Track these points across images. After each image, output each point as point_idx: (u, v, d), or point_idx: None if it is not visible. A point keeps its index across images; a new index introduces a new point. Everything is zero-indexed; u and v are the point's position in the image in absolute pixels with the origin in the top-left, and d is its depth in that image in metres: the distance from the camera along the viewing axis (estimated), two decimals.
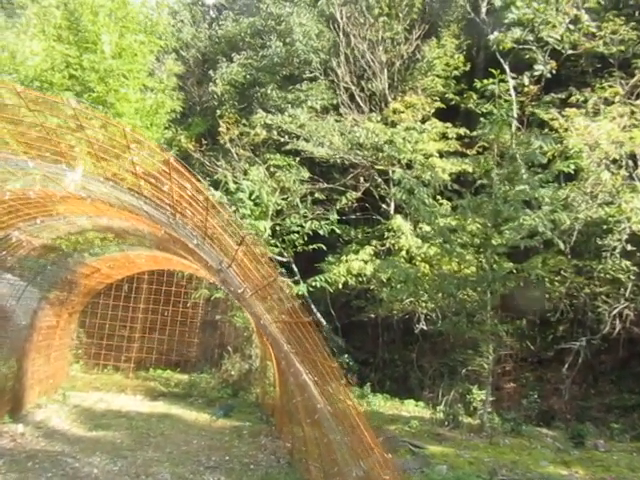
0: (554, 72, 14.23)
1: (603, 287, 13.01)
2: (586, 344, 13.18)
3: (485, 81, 11.34)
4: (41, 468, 7.03)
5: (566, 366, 13.49)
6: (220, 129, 15.97)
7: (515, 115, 13.46)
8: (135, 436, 8.99)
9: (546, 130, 12.97)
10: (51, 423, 9.30)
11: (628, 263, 12.16)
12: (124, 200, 3.72)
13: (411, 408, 13.14)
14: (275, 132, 15.62)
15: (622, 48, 13.66)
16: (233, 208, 13.41)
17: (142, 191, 3.44)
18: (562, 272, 13.51)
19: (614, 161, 11.90)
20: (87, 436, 8.76)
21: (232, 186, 13.58)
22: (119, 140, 3.55)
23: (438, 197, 13.95)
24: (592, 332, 13.44)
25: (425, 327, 13.63)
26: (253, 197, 13.76)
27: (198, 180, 3.25)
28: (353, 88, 16.63)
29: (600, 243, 12.07)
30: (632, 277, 12.04)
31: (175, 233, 4.03)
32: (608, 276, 12.78)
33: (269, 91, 16.81)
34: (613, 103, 12.27)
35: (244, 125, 15.85)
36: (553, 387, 14.86)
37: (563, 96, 14.26)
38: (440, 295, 12.32)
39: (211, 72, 18.23)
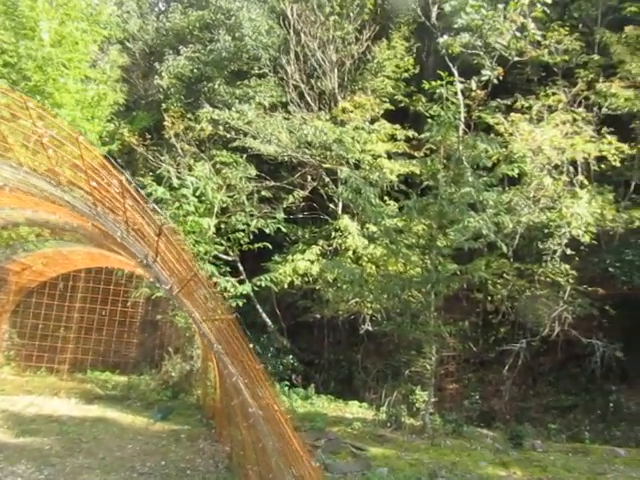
0: (501, 78, 14.45)
1: (543, 290, 13.29)
2: (526, 346, 13.43)
3: (434, 83, 11.35)
4: None
5: (506, 367, 13.70)
6: (165, 123, 15.53)
7: (462, 119, 13.60)
8: (65, 442, 8.55)
9: (492, 134, 13.15)
10: None
11: (567, 267, 12.45)
12: (44, 189, 3.44)
13: (355, 409, 13.07)
14: (222, 128, 15.28)
15: (566, 58, 14.03)
16: (176, 205, 13.05)
17: (59, 178, 3.17)
18: (504, 275, 13.74)
19: (556, 167, 12.17)
20: (12, 443, 8.26)
21: (176, 182, 13.17)
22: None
23: (385, 198, 13.98)
24: (532, 334, 13.70)
25: (370, 328, 13.60)
26: (198, 194, 13.39)
27: (113, 166, 3.00)
28: (303, 86, 16.46)
29: (541, 247, 12.32)
30: (571, 281, 12.31)
31: (101, 225, 3.76)
32: (548, 279, 13.08)
33: (217, 86, 16.44)
34: (556, 110, 12.53)
35: (190, 120, 15.45)
36: (494, 388, 15.08)
37: (509, 102, 14.55)
38: (385, 296, 12.28)
39: (157, 65, 17.70)
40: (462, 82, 14.10)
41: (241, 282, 13.88)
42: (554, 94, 13.12)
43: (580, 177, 12.43)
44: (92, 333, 13.90)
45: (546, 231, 12.24)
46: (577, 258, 12.86)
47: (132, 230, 3.17)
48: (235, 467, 7.57)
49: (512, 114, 13.15)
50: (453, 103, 12.58)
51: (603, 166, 12.87)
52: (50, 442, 8.47)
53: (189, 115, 15.71)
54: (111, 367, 14.23)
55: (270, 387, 2.95)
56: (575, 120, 12.29)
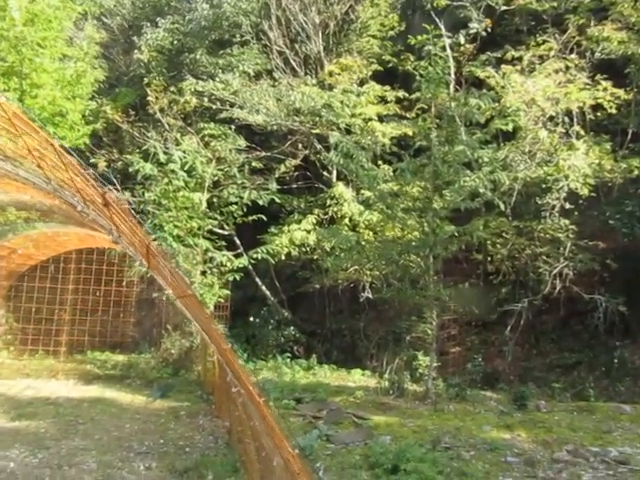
0: (489, 30, 14.04)
1: (543, 247, 13.06)
2: (528, 305, 13.25)
3: (420, 37, 10.93)
4: None
5: (509, 328, 13.54)
6: (149, 98, 15.13)
7: (452, 75, 13.21)
8: (61, 424, 8.40)
9: (483, 89, 12.75)
10: None
11: (567, 222, 12.19)
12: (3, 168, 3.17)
13: (357, 378, 12.96)
14: (207, 99, 14.89)
15: (554, 4, 13.51)
16: (166, 180, 12.75)
17: (4, 150, 2.90)
18: (503, 234, 13.50)
19: (551, 118, 11.81)
20: (7, 427, 8.12)
21: (163, 157, 12.83)
22: None
23: (379, 162, 13.64)
24: (533, 293, 13.52)
25: (370, 295, 13.41)
26: (187, 168, 13.06)
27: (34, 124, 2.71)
28: (287, 52, 16.00)
29: (540, 203, 12.03)
30: (571, 236, 12.07)
31: (65, 202, 3.51)
32: (548, 236, 12.84)
33: (198, 56, 15.98)
34: (548, 59, 12.11)
35: (174, 93, 15.04)
36: (497, 350, 14.95)
37: (499, 55, 14.06)
38: (383, 262, 12.07)
39: (136, 39, 17.20)
40: (450, 37, 13.66)
41: (238, 256, 13.65)
42: (545, 42, 12.64)
43: (576, 127, 12.06)
44: (88, 314, 13.75)
45: (544, 186, 11.96)
46: (576, 212, 12.60)
47: (88, 202, 2.91)
48: (234, 442, 7.43)
49: (503, 66, 12.70)
50: (441, 58, 12.19)
51: (599, 115, 12.49)
52: (46, 425, 8.33)
53: (172, 88, 15.31)
54: (110, 347, 14.13)
55: (242, 367, 2.72)
56: (568, 68, 11.88)
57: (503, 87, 11.86)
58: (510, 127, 11.26)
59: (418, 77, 10.59)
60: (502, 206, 11.17)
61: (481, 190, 10.44)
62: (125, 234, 2.93)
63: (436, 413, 9.24)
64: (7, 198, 6.03)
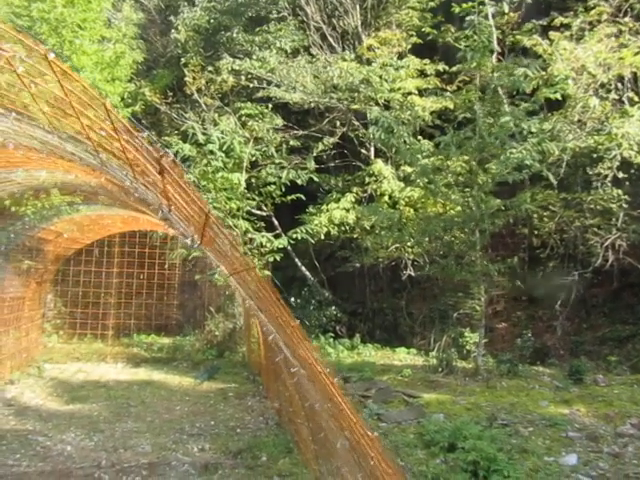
0: None
1: (594, 219, 12.60)
2: (578, 278, 12.84)
3: (464, 5, 10.51)
4: (8, 450, 6.54)
5: (559, 302, 13.16)
6: (186, 79, 15.03)
7: (495, 45, 12.71)
8: (114, 407, 8.50)
9: (529, 58, 12.25)
10: (23, 399, 8.78)
11: (620, 192, 11.70)
12: (44, 140, 3.07)
13: (402, 356, 12.80)
14: (244, 78, 14.71)
15: None
16: (204, 161, 12.69)
17: (52, 122, 2.79)
18: (550, 207, 13.07)
19: (602, 85, 11.28)
20: (62, 410, 8.25)
21: (202, 138, 12.77)
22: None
23: (419, 137, 13.30)
24: (583, 266, 13.09)
25: (413, 273, 13.17)
26: (225, 149, 12.97)
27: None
28: (324, 27, 15.70)
29: (590, 173, 11.56)
30: (625, 206, 11.59)
31: (113, 178, 3.40)
32: (598, 207, 12.37)
33: (235, 35, 15.78)
34: (600, 23, 11.52)
35: (211, 73, 14.89)
36: (545, 324, 14.61)
37: (544, 23, 13.50)
38: (426, 239, 11.81)
39: (173, 19, 17.09)
40: (493, 5, 13.14)
41: (277, 237, 13.55)
42: (596, 6, 12.01)
43: (630, 94, 11.48)
44: (133, 297, 13.87)
45: (595, 156, 11.44)
46: (627, 182, 12.08)
47: (138, 175, 2.79)
48: (285, 423, 7.38)
49: (551, 33, 12.15)
50: (486, 27, 11.72)
51: None
52: (98, 408, 8.44)
53: (210, 68, 15.16)
54: (155, 330, 14.25)
55: (309, 346, 2.57)
56: (621, 32, 11.28)
57: (551, 55, 11.33)
58: (558, 96, 10.76)
59: (463, 46, 10.18)
60: (551, 177, 10.76)
61: (528, 162, 10.06)
62: (178, 207, 2.80)
63: (488, 390, 9.04)
64: (52, 179, 5.99)
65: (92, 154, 2.92)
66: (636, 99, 11.46)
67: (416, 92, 14.15)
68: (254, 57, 14.85)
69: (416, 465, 6.10)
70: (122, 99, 14.38)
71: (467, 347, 11.41)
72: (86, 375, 10.65)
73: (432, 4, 15.50)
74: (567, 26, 12.65)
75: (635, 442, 6.71)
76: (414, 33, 15.24)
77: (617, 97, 11.39)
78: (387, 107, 14.21)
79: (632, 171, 11.90)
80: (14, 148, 3.70)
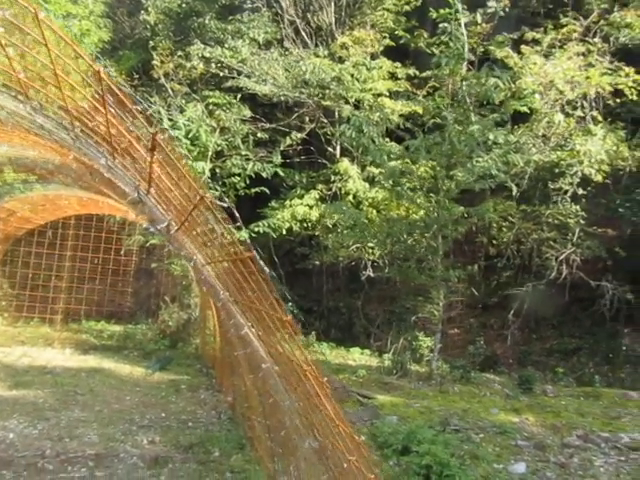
0: (507, 10, 13.66)
1: (550, 233, 12.90)
2: (531, 290, 13.12)
3: (442, 11, 10.57)
4: None
5: (512, 312, 13.42)
6: (154, 62, 14.68)
7: (468, 54, 12.84)
8: (60, 394, 8.19)
9: (500, 70, 12.43)
10: None
11: (577, 207, 12.01)
12: (10, 111, 2.88)
13: (357, 356, 12.82)
14: (214, 66, 14.45)
15: None
16: (169, 148, 12.38)
17: (27, 90, 2.62)
18: (510, 217, 13.31)
19: (568, 102, 11.54)
20: (4, 396, 7.89)
21: (167, 123, 12.48)
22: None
23: (387, 139, 13.34)
24: (537, 278, 13.38)
25: (372, 274, 13.20)
26: (190, 136, 12.72)
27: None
28: (298, 21, 15.57)
29: (552, 187, 11.83)
30: (582, 222, 11.90)
31: (84, 156, 3.23)
32: (556, 221, 12.67)
33: (207, 21, 15.48)
34: (570, 41, 11.79)
35: (180, 57, 14.58)
36: (496, 333, 14.89)
37: (515, 36, 13.74)
38: (389, 241, 11.86)
39: (143, 0, 16.66)
40: (466, 15, 13.28)
41: (238, 229, 13.37)
42: (568, 24, 12.30)
43: (593, 113, 11.79)
44: (85, 282, 13.46)
45: (556, 171, 11.71)
46: (583, 199, 12.41)
47: (118, 154, 2.64)
48: (239, 418, 7.26)
49: (522, 47, 12.36)
50: (458, 37, 11.83)
51: (610, 102, 12.22)
52: (44, 395, 8.12)
53: (179, 53, 14.83)
54: (106, 317, 13.86)
55: (299, 342, 2.49)
56: (590, 52, 11.57)
57: (521, 68, 11.52)
58: (526, 109, 10.96)
59: (438, 52, 10.24)
60: (514, 189, 10.94)
61: (494, 172, 10.21)
62: (162, 188, 2.67)
63: (441, 394, 9.12)
64: (11, 153, 5.71)
65: (66, 128, 2.75)
66: (600, 118, 11.77)
67: (387, 94, 14.20)
68: (226, 46, 14.61)
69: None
70: (84, 79, 13.92)
71: (421, 351, 11.50)
72: (31, 360, 10.24)
73: (407, 7, 15.56)
74: (537, 42, 12.92)
75: (581, 453, 6.86)
76: (387, 35, 15.28)
77: (582, 115, 11.67)
78: (357, 107, 14.21)
79: (589, 188, 12.23)
80: None
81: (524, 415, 8.17)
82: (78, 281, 13.35)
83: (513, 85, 11.76)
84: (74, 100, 2.55)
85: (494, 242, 13.93)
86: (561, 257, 12.43)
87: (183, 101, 14.24)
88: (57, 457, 6.03)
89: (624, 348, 12.41)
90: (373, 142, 10.42)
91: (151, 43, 15.31)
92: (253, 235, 13.49)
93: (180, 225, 2.80)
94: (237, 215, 14.68)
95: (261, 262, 15.69)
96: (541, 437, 7.31)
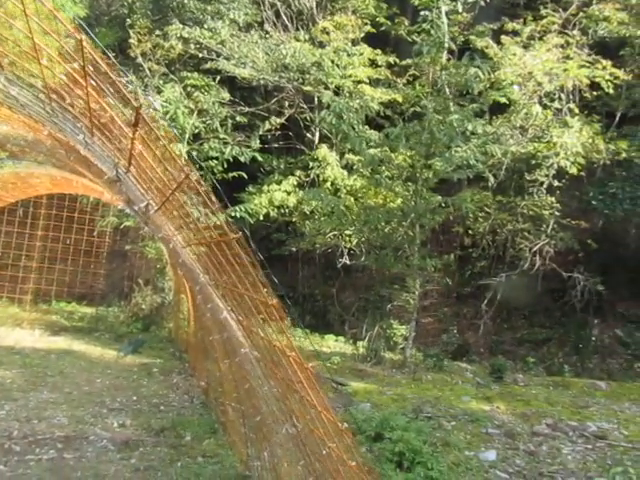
0: (488, 1, 13.64)
1: (525, 224, 13.03)
2: (505, 280, 13.26)
3: None
4: None
5: (485, 302, 13.56)
6: (131, 41, 14.34)
7: (447, 43, 12.82)
8: (29, 375, 8.05)
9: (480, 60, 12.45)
10: None
11: (553, 199, 12.14)
12: None
13: (331, 343, 12.85)
14: (193, 47, 14.21)
15: None
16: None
17: (1, 61, 2.52)
18: (486, 208, 13.41)
19: (546, 94, 11.61)
20: None
21: (143, 102, 12.22)
22: None
23: (366, 127, 13.30)
24: (510, 268, 13.53)
25: (348, 262, 13.19)
26: (167, 118, 12.50)
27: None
28: (279, 4, 15.35)
29: (527, 178, 11.93)
30: (557, 213, 12.04)
31: (60, 133, 3.13)
32: (531, 213, 12.79)
33: (186, 1, 15.19)
34: (549, 33, 11.85)
35: (158, 37, 14.27)
36: (469, 322, 15.04)
37: (494, 27, 13.75)
38: (366, 229, 11.85)
39: None
40: (448, 3, 13.24)
41: (213, 213, 13.21)
42: (548, 16, 12.35)
43: (570, 105, 11.90)
44: (56, 263, 13.22)
45: (533, 162, 11.81)
46: (557, 191, 12.55)
47: (97, 129, 2.56)
48: (212, 403, 7.22)
49: (502, 37, 12.38)
50: (438, 26, 11.79)
51: (587, 96, 12.35)
52: (12, 375, 7.97)
53: (157, 32, 14.52)
54: (77, 298, 13.66)
55: (284, 327, 2.45)
56: (568, 44, 11.65)
57: (501, 58, 11.55)
58: (505, 100, 11.01)
59: (419, 40, 10.20)
60: (492, 179, 11.01)
61: (472, 162, 10.25)
62: (142, 167, 2.59)
63: (414, 382, 9.19)
64: None
65: (42, 102, 2.65)
66: (576, 111, 11.88)
67: (367, 81, 14.13)
68: (205, 26, 14.36)
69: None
70: (59, 54, 13.58)
71: (395, 339, 11.56)
72: None
73: None
74: (516, 33, 12.95)
75: (549, 441, 6.97)
76: (368, 22, 15.17)
77: (559, 107, 11.76)
78: (337, 93, 14.10)
79: (563, 180, 12.37)
80: None
81: (495, 403, 8.27)
82: (49, 261, 13.11)
83: (492, 75, 11.81)
84: (53, 72, 2.45)
85: (469, 232, 14.03)
86: (535, 248, 12.57)
87: (161, 82, 13.98)
88: (25, 439, 5.92)
89: (593, 339, 12.62)
90: (353, 129, 10.38)
91: (128, 21, 14.94)
92: (230, 220, 13.34)
93: (160, 205, 2.73)
94: (214, 199, 14.52)
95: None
96: (511, 425, 7.41)
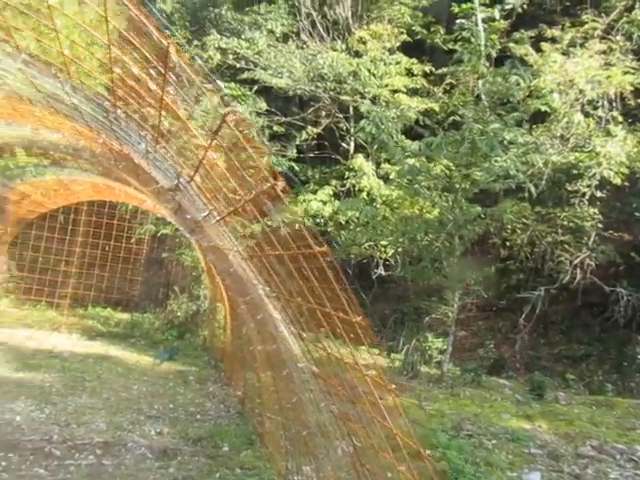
0: (525, 7, 13.46)
1: (565, 236, 12.71)
2: (544, 294, 12.95)
3: (464, 6, 10.37)
4: None
5: (523, 316, 13.25)
6: (170, 51, 14.51)
7: (486, 50, 12.66)
8: (68, 379, 8.12)
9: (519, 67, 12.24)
10: None
11: (595, 211, 11.83)
12: (47, 91, 2.76)
13: (365, 356, 12.67)
14: (231, 57, 14.32)
15: None
16: (180, 140, 12.27)
17: (68, 68, 2.52)
18: (524, 219, 13.12)
19: (589, 102, 11.35)
20: (12, 378, 7.83)
21: (182, 114, 12.32)
22: None
23: (402, 137, 13.19)
24: (549, 281, 13.20)
25: (384, 272, 13.04)
26: (206, 128, 12.58)
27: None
28: (314, 14, 15.39)
29: (569, 189, 11.64)
30: (600, 225, 11.73)
31: (115, 141, 3.12)
32: (572, 224, 12.47)
33: (224, 12, 15.37)
34: (590, 39, 11.59)
35: (197, 47, 14.44)
36: (504, 336, 14.73)
37: (532, 34, 13.50)
38: (401, 239, 11.71)
39: None
40: (483, 11, 13.08)
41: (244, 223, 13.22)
42: (592, 21, 12.07)
43: (614, 113, 11.58)
44: (94, 269, 13.39)
45: (574, 172, 11.52)
46: (598, 202, 12.22)
47: (163, 139, 2.52)
48: (248, 413, 7.17)
49: (542, 44, 12.15)
50: (476, 34, 11.65)
51: (631, 103, 11.96)
52: (51, 379, 8.05)
53: (195, 42, 14.70)
54: (113, 304, 13.79)
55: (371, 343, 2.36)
56: (611, 50, 11.36)
57: (542, 65, 11.33)
58: (547, 108, 10.79)
59: (458, 48, 10.08)
60: (533, 190, 10.78)
61: (512, 172, 10.07)
62: (211, 175, 2.55)
63: (452, 397, 8.99)
64: (27, 135, 5.59)
65: (106, 110, 2.64)
66: (620, 119, 11.58)
67: (404, 90, 14.04)
68: (242, 37, 14.48)
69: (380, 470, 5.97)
70: (101, 65, 13.82)
71: (429, 352, 11.35)
72: (38, 343, 10.17)
73: (425, 3, 15.37)
74: (555, 40, 12.68)
75: (595, 464, 6.73)
76: (404, 31, 15.10)
77: (602, 115, 11.49)
78: (373, 102, 14.05)
79: (604, 191, 12.03)
80: (4, 97, 3.38)
81: (536, 422, 8.03)
82: (87, 267, 13.28)
83: (532, 84, 11.58)
84: (123, 78, 2.43)
85: (506, 244, 13.75)
86: (575, 261, 12.24)
87: (199, 92, 14.08)
88: (64, 443, 5.95)
89: (639, 357, 12.21)
90: (392, 138, 10.28)
91: (167, 32, 15.14)
92: (257, 231, 13.34)
93: (227, 214, 2.68)
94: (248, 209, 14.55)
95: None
96: (554, 446, 7.18)
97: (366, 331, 2.27)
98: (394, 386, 2.36)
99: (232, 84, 14.58)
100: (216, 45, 14.30)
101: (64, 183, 9.65)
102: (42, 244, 12.82)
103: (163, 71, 2.16)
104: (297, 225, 2.59)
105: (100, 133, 3.21)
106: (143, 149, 2.72)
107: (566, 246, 12.54)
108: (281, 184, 2.45)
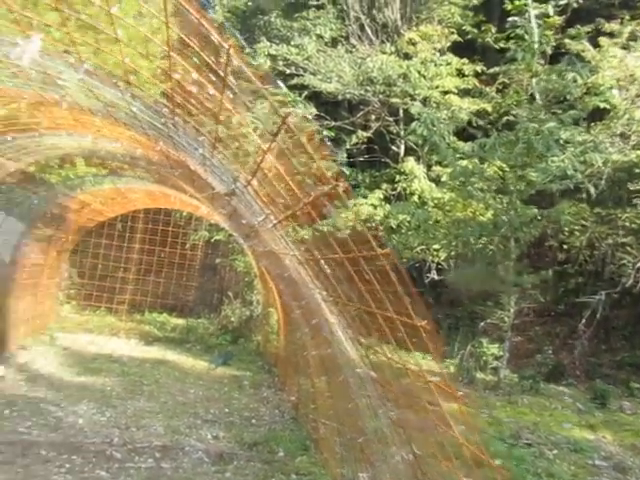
0: (581, 1, 13.02)
1: (627, 237, 12.23)
2: (605, 298, 12.48)
3: (516, 3, 10.13)
4: (20, 416, 6.35)
5: (583, 321, 12.81)
6: (221, 60, 14.76)
7: (541, 47, 12.32)
8: (127, 383, 8.31)
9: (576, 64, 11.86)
10: (35, 366, 8.60)
11: None
12: (107, 101, 2.84)
13: (419, 361, 12.49)
14: (281, 63, 14.45)
15: None
16: (236, 144, 12.44)
17: (128, 76, 2.57)
18: (582, 221, 12.70)
19: None
20: (74, 382, 8.07)
21: (234, 120, 12.51)
22: None
23: (454, 138, 12.99)
24: (610, 285, 12.73)
25: (436, 277, 12.85)
26: (258, 133, 12.72)
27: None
28: (363, 18, 15.36)
29: (631, 189, 11.20)
30: None
31: (172, 148, 3.16)
32: (634, 225, 12.00)
33: (273, 19, 15.53)
34: None
35: (247, 55, 14.63)
36: (562, 342, 14.26)
37: (589, 29, 13.05)
38: (454, 243, 11.51)
39: None
40: (537, 7, 12.73)
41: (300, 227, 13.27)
42: None
43: None
44: (151, 275, 13.70)
45: (637, 171, 11.08)
46: None
47: (221, 144, 2.54)
48: (302, 419, 7.16)
49: (600, 39, 11.74)
50: (530, 31, 11.33)
51: None
52: (111, 383, 8.26)
53: (246, 50, 14.90)
54: (169, 310, 14.06)
55: (435, 350, 2.32)
56: None
57: (600, 61, 10.95)
58: (607, 105, 10.41)
59: (512, 46, 9.84)
60: (592, 190, 10.41)
61: (569, 172, 9.75)
62: (269, 178, 2.55)
63: (510, 405, 8.77)
64: (87, 145, 5.76)
65: (165, 116, 2.68)
66: None
67: (455, 91, 13.83)
68: (292, 43, 14.59)
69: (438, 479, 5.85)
70: (154, 75, 14.15)
71: (485, 358, 11.09)
72: (99, 348, 10.47)
73: (475, 1, 15.10)
74: (613, 34, 12.24)
75: None
76: (454, 31, 14.88)
77: None
78: (424, 104, 13.89)
79: None
80: (67, 108, 3.48)
81: (600, 432, 7.74)
82: (144, 273, 13.61)
83: (589, 80, 11.21)
84: (181, 84, 2.47)
85: (564, 246, 13.33)
86: (639, 264, 11.76)
87: (250, 98, 14.26)
88: (124, 446, 6.07)
89: None
90: (444, 139, 10.13)
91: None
92: (316, 234, 13.37)
93: (284, 217, 2.68)
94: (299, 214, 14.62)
95: (322, 262, 15.56)
96: (620, 457, 6.89)
97: (431, 336, 2.19)
98: (461, 393, 2.26)
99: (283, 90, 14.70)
100: (266, 52, 14.47)
101: (121, 192, 9.92)
102: (101, 251, 13.22)
103: (222, 74, 2.15)
104: (359, 226, 2.55)
105: (158, 141, 3.27)
106: (199, 155, 2.74)
107: (628, 248, 12.07)
108: (343, 185, 2.42)
